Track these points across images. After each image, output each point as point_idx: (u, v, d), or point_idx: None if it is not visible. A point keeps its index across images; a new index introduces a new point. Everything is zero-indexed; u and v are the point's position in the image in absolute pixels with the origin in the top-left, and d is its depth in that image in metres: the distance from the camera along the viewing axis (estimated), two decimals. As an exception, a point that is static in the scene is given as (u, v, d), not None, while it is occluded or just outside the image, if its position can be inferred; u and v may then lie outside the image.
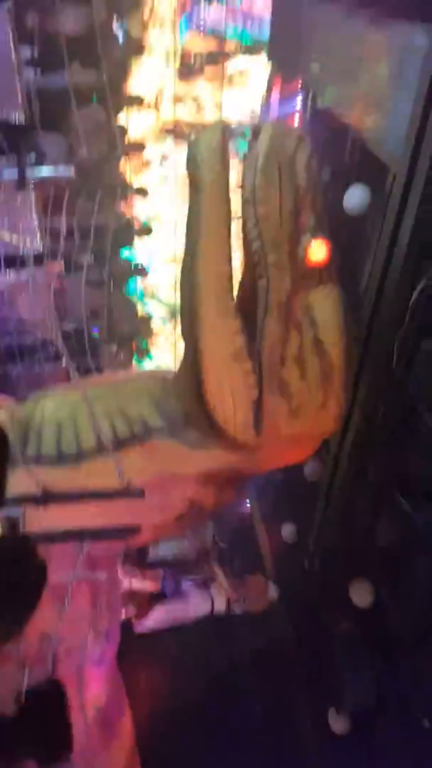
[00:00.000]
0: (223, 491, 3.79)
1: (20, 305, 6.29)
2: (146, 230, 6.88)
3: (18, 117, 5.76)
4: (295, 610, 5.86)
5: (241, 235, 3.52)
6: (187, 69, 6.22)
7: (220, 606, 5.95)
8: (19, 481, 3.48)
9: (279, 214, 3.26)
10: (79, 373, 5.25)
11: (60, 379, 6.13)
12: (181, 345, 3.69)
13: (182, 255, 3.45)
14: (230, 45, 6.17)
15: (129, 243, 6.80)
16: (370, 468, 4.43)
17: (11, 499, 3.29)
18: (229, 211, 3.31)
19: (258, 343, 3.47)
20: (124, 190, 6.41)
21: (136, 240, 6.92)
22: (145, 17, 6.05)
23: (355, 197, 4.37)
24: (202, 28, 6.14)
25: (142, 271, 7.05)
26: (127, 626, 5.48)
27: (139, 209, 6.81)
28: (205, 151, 3.23)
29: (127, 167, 6.59)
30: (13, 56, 5.79)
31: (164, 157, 6.53)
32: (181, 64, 6.20)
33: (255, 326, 3.47)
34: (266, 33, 6.03)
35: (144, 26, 6.20)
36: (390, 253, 4.02)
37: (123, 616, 5.41)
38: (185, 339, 3.59)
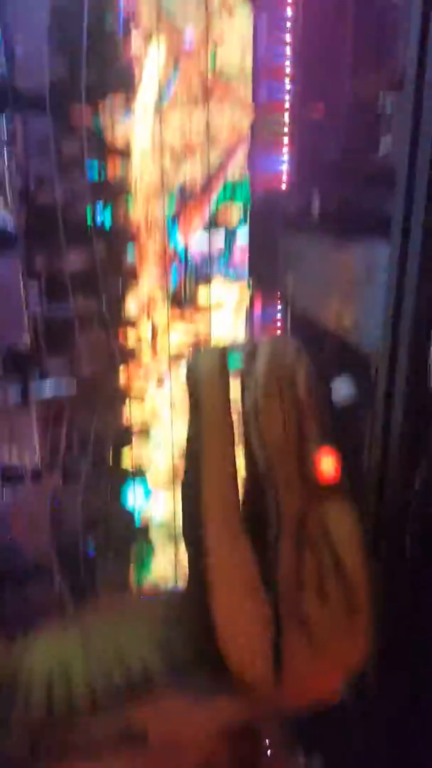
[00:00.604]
0: (241, 743, 3.21)
1: (13, 524, 6.13)
2: (145, 433, 6.96)
3: (24, 343, 6.16)
4: None
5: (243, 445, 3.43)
6: (178, 300, 6.76)
7: None
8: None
9: (283, 429, 3.16)
10: (73, 594, 4.92)
11: (53, 603, 5.72)
12: (183, 556, 3.42)
13: (182, 470, 3.34)
14: (214, 279, 6.76)
15: (127, 446, 6.83)
16: (403, 680, 3.90)
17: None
18: (232, 432, 3.22)
19: (272, 569, 3.16)
20: (123, 399, 6.61)
21: (134, 444, 6.95)
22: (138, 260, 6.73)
23: (342, 389, 4.48)
24: (187, 272, 6.78)
25: (140, 474, 6.96)
26: None
27: (138, 414, 6.94)
28: (205, 374, 3.23)
29: (126, 379, 6.87)
30: (22, 292, 6.35)
31: (160, 381, 6.81)
32: (172, 297, 6.76)
33: (265, 546, 3.18)
34: (245, 273, 6.58)
35: (141, 261, 6.84)
36: (385, 441, 3.99)
37: None
38: (189, 565, 3.29)
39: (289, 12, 6.34)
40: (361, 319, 4.39)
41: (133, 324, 6.68)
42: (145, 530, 7.08)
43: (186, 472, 3.34)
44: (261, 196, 6.20)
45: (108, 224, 6.67)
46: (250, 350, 3.36)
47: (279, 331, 5.98)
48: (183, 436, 3.53)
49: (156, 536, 7.08)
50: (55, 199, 6.29)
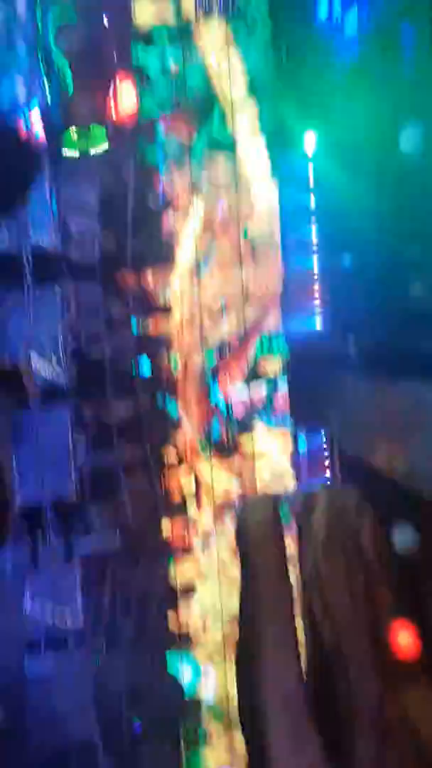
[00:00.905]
0: None
1: (56, 693, 5.36)
2: (190, 589, 6.27)
3: (70, 494, 5.87)
4: None
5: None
6: (220, 450, 6.51)
7: None
8: None
9: (350, 594, 2.63)
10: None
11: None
12: (240, 744, 2.76)
13: (234, 643, 2.77)
14: (257, 428, 6.52)
15: (172, 608, 6.12)
16: None
17: None
18: (291, 598, 2.71)
19: None
20: (167, 554, 6.08)
21: (180, 607, 6.22)
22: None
23: (403, 538, 3.98)
24: (229, 423, 6.59)
25: (186, 640, 6.06)
26: None
27: (183, 569, 6.32)
28: (256, 529, 2.78)
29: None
30: (70, 443, 6.20)
31: (207, 536, 6.26)
32: (214, 446, 6.53)
33: (337, 740, 2.48)
34: (287, 420, 6.38)
35: (182, 412, 6.68)
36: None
37: None
38: (249, 760, 2.62)
39: (309, 177, 6.65)
40: (415, 462, 3.99)
41: (176, 474, 6.37)
42: (196, 710, 6.05)
43: (239, 645, 2.78)
44: (298, 344, 6.15)
45: (151, 376, 6.64)
46: (306, 501, 2.88)
47: (327, 476, 5.54)
48: (234, 600, 3.01)
49: (208, 718, 6.04)
50: (103, 354, 6.35)
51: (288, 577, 2.77)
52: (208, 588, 6.02)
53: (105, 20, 6.19)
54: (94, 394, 6.36)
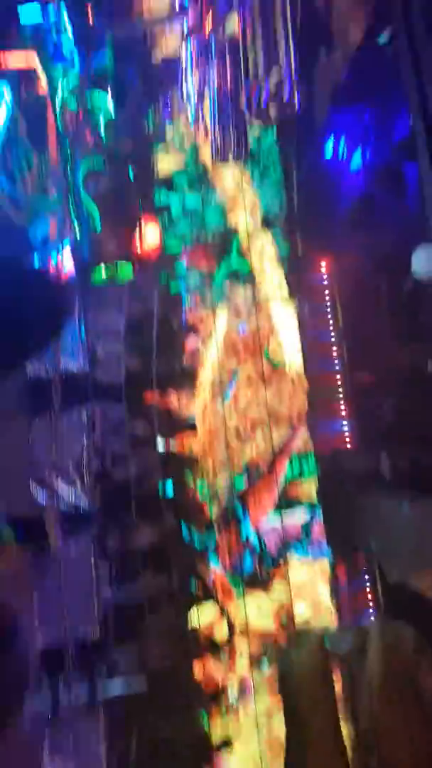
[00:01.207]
0: None
1: None
2: (226, 743, 5.30)
3: (93, 633, 5.26)
4: None
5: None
6: (255, 582, 5.91)
7: None
8: None
9: (410, 747, 2.14)
10: None
11: None
12: None
13: None
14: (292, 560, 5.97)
15: (207, 765, 5.16)
16: None
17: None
18: (345, 748, 2.23)
19: None
20: (199, 701, 5.26)
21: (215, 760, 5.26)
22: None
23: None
24: (262, 557, 6.07)
25: None
26: None
27: (217, 720, 5.34)
28: (302, 671, 2.35)
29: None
30: (93, 576, 5.68)
31: (243, 683, 5.38)
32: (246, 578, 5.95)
33: None
34: (323, 549, 5.90)
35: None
36: None
37: None
38: None
39: (327, 300, 6.65)
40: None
41: (205, 612, 5.68)
42: None
43: None
44: (330, 464, 5.77)
45: (176, 500, 6.24)
46: (356, 639, 2.43)
47: (371, 608, 4.87)
48: (278, 759, 2.48)
49: None
50: (128, 475, 6.05)
51: (340, 725, 2.28)
52: (247, 743, 5.07)
53: (130, 168, 6.58)
54: (118, 519, 5.98)
